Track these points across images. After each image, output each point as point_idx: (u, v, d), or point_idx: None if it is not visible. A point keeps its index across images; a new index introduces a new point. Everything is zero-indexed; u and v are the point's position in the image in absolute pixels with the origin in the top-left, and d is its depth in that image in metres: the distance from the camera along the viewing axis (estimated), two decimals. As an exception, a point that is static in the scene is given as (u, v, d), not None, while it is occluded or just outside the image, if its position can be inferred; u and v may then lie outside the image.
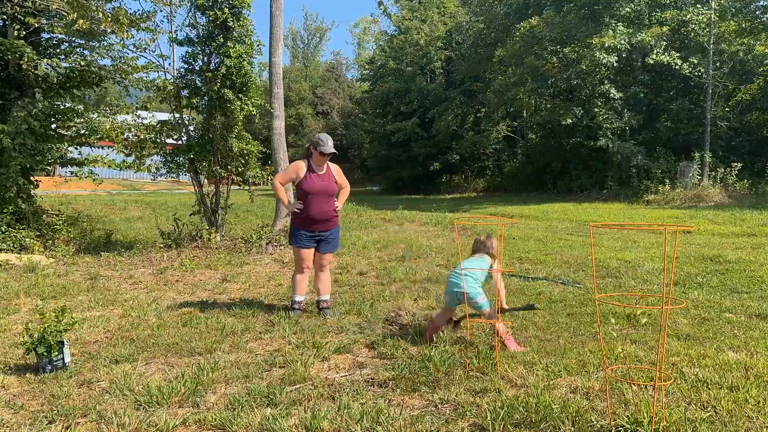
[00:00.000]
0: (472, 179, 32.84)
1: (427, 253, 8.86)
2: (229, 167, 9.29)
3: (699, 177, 19.91)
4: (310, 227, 5.16)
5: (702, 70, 21.03)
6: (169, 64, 10.20)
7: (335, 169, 5.41)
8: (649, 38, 20.55)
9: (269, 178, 10.91)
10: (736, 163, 19.34)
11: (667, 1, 22.99)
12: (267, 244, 9.25)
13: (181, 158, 9.34)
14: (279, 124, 11.01)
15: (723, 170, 19.45)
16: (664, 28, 21.51)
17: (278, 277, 7.23)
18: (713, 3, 20.94)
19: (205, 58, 9.11)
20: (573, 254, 8.42)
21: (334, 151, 5.21)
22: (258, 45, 9.32)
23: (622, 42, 20.43)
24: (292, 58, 68.04)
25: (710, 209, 15.58)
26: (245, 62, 8.86)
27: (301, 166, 5.20)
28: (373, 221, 13.74)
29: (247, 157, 9.34)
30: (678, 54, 20.99)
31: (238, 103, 8.85)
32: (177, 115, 9.47)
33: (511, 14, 26.95)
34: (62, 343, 3.84)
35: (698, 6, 21.62)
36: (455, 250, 8.96)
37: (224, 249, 8.97)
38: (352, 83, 57.59)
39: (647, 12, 22.66)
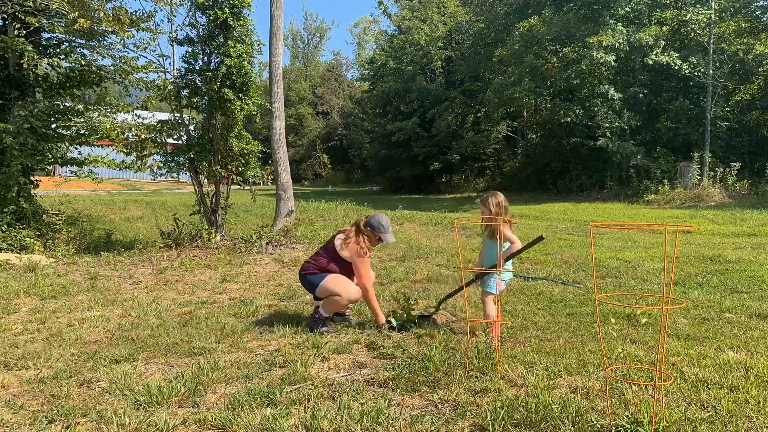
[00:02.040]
0: (472, 179, 32.87)
1: (427, 253, 8.86)
2: (229, 167, 9.29)
3: (699, 177, 19.92)
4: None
5: (702, 70, 21.03)
6: (169, 63, 10.21)
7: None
8: (648, 37, 20.55)
9: (269, 178, 10.92)
10: (735, 163, 19.35)
11: (667, 1, 23.00)
12: (267, 244, 9.25)
13: (181, 158, 9.34)
14: (279, 124, 11.01)
15: (723, 170, 19.46)
16: (664, 28, 21.50)
17: (278, 277, 7.23)
18: (713, 3, 20.94)
19: (206, 58, 9.11)
20: (573, 254, 8.42)
21: (394, 240, 4.85)
22: (258, 45, 9.33)
23: (621, 41, 20.42)
24: (292, 58, 68.18)
25: (710, 209, 15.58)
26: (245, 62, 8.86)
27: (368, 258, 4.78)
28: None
29: (247, 157, 9.34)
30: (678, 54, 20.99)
31: (238, 102, 8.85)
32: (177, 115, 9.47)
33: (511, 14, 26.98)
34: None
35: (698, 6, 21.63)
36: (455, 250, 8.96)
37: (224, 249, 8.96)
38: (352, 83, 57.62)
39: (647, 12, 22.67)
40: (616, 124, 21.37)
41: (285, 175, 11.10)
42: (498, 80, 25.88)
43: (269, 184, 13.75)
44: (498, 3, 28.17)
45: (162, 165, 9.51)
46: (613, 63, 20.68)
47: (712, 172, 19.76)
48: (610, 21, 21.28)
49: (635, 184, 20.93)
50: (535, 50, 22.87)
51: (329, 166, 54.14)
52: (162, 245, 8.97)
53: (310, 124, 54.63)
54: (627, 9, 21.76)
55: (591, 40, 20.23)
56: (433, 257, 8.52)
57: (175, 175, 9.70)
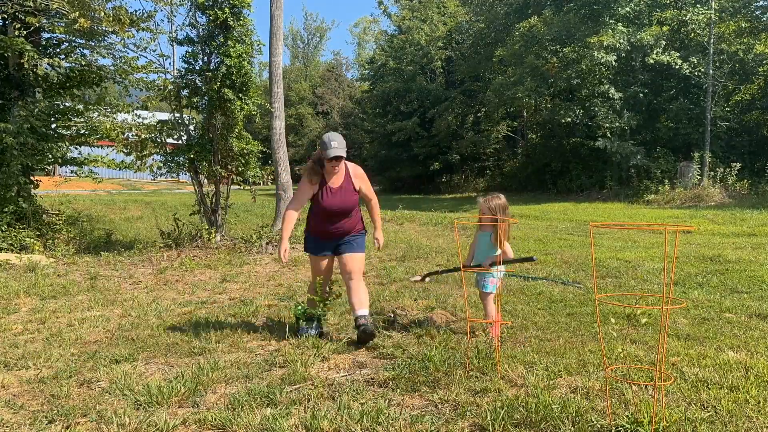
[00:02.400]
0: (472, 179, 32.86)
1: (427, 253, 8.86)
2: (229, 167, 9.29)
3: (699, 177, 19.92)
4: (326, 239, 4.52)
5: (702, 70, 21.04)
6: (169, 63, 10.25)
7: (356, 173, 4.46)
8: (648, 37, 20.55)
9: (269, 178, 10.92)
10: (735, 163, 19.35)
11: (667, 1, 23.00)
12: (267, 244, 9.25)
13: (181, 158, 9.34)
14: (279, 124, 11.02)
15: (723, 170, 19.47)
16: (664, 28, 21.50)
17: (278, 277, 7.23)
18: (713, 3, 20.94)
19: (205, 58, 9.12)
20: (573, 254, 8.42)
21: (342, 154, 4.17)
22: (258, 45, 9.34)
23: (621, 41, 20.43)
24: (292, 58, 68.15)
25: (710, 209, 15.58)
26: (245, 62, 8.87)
27: (309, 184, 4.34)
28: (373, 221, 13.72)
29: (247, 157, 9.34)
30: (678, 54, 21.00)
31: (238, 102, 8.85)
32: (177, 115, 9.48)
33: (511, 14, 26.97)
34: None
35: (698, 6, 21.63)
36: (455, 250, 8.96)
37: (224, 249, 8.96)
38: (352, 83, 57.57)
39: (647, 12, 22.67)
40: (616, 124, 21.37)
41: (285, 175, 11.10)
42: (498, 80, 25.88)
43: (269, 184, 13.77)
44: (498, 3, 28.16)
45: (162, 165, 9.52)
46: (613, 63, 20.68)
47: (712, 172, 19.76)
48: (610, 21, 21.28)
49: (635, 184, 20.94)
50: (535, 50, 22.87)
51: (329, 166, 54.03)
52: (162, 245, 8.98)
53: (310, 124, 54.59)
54: (627, 9, 21.76)
55: (592, 40, 20.24)
56: (433, 257, 8.51)
57: (175, 175, 9.70)
